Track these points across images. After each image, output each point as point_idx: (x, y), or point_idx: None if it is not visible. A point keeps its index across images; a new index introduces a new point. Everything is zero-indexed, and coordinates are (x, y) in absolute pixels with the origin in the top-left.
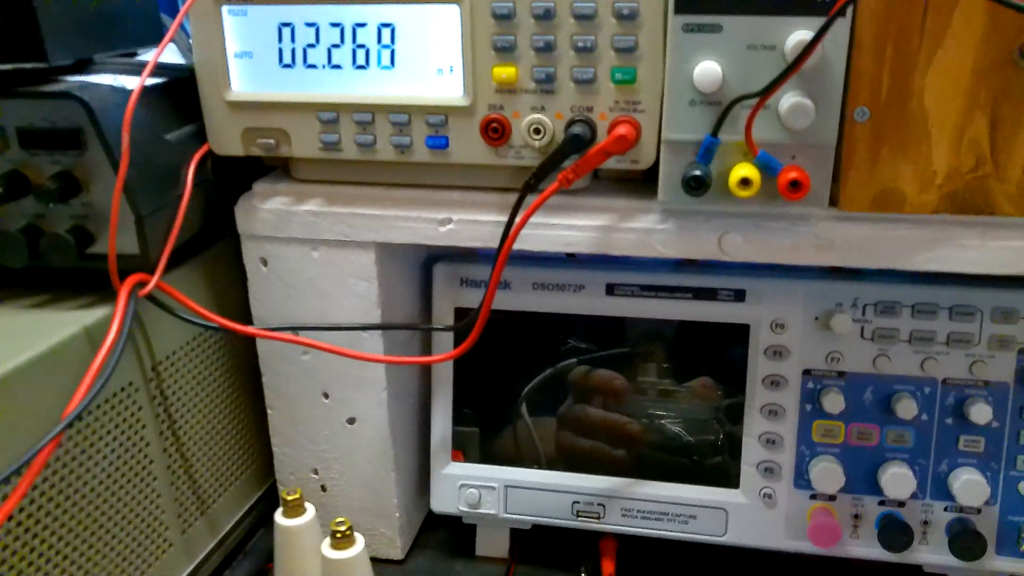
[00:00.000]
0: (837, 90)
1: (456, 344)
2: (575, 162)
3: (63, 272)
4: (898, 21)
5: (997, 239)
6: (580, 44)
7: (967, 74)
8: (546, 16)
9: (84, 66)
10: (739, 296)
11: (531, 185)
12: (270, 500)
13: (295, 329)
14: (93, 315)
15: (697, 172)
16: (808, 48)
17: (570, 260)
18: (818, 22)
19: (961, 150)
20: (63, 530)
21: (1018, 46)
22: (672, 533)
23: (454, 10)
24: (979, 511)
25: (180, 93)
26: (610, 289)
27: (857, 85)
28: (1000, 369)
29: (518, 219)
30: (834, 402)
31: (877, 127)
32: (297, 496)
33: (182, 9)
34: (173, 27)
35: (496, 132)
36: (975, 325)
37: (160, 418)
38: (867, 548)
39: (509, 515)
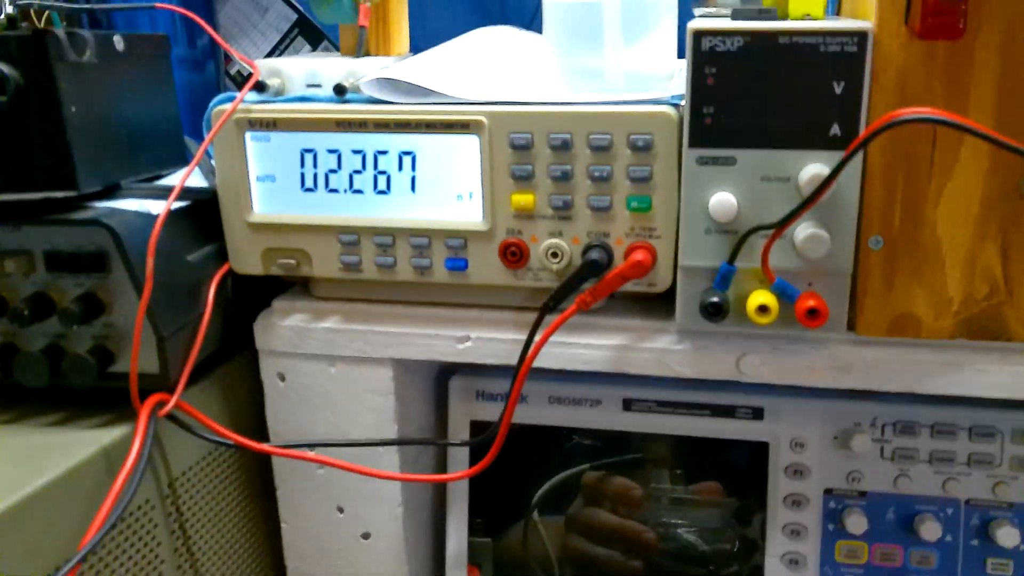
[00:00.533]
0: (851, 219)
1: (472, 456)
2: (593, 286)
3: (83, 391)
4: (908, 153)
5: (1014, 364)
6: (596, 174)
7: (976, 205)
8: (563, 147)
9: (111, 191)
10: (758, 414)
11: (550, 307)
12: None
13: (311, 446)
14: (111, 435)
15: (715, 299)
16: (825, 183)
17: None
18: (829, 155)
19: (975, 278)
20: None
21: (1023, 179)
22: None
23: (474, 140)
24: None
25: (202, 215)
26: (627, 405)
27: (870, 214)
28: None
29: (537, 339)
30: (856, 522)
31: (891, 255)
32: None
33: (208, 136)
34: (199, 153)
35: (514, 255)
36: (996, 446)
37: (175, 535)
38: None
39: None
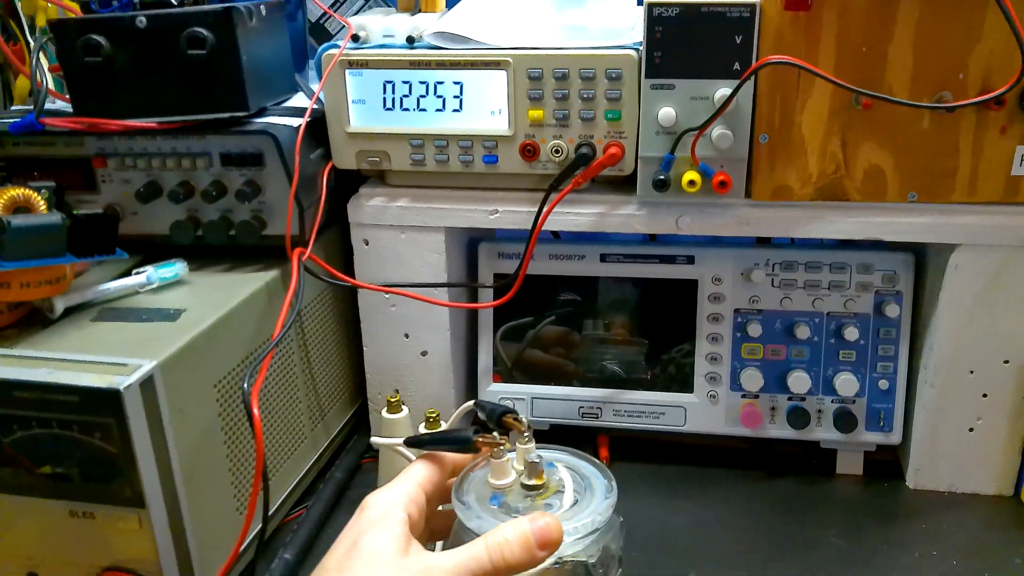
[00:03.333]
0: (747, 123)
1: (495, 298)
2: (583, 171)
3: (243, 247)
4: (783, 81)
5: (853, 217)
6: (584, 95)
7: (826, 113)
8: (563, 78)
9: (261, 112)
10: (690, 260)
11: (554, 187)
12: (359, 417)
13: (394, 285)
14: (269, 275)
15: (662, 177)
16: (728, 100)
17: (557, 240)
18: (732, 82)
19: (825, 160)
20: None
21: (853, 96)
22: (648, 426)
23: (502, 74)
24: (854, 401)
25: (316, 127)
26: (603, 258)
27: (760, 120)
28: (863, 304)
29: (545, 209)
30: (755, 330)
31: (773, 146)
32: (397, 398)
33: (325, 72)
34: (320, 86)
35: (530, 152)
36: (847, 276)
37: (301, 348)
38: (780, 429)
39: (535, 418)
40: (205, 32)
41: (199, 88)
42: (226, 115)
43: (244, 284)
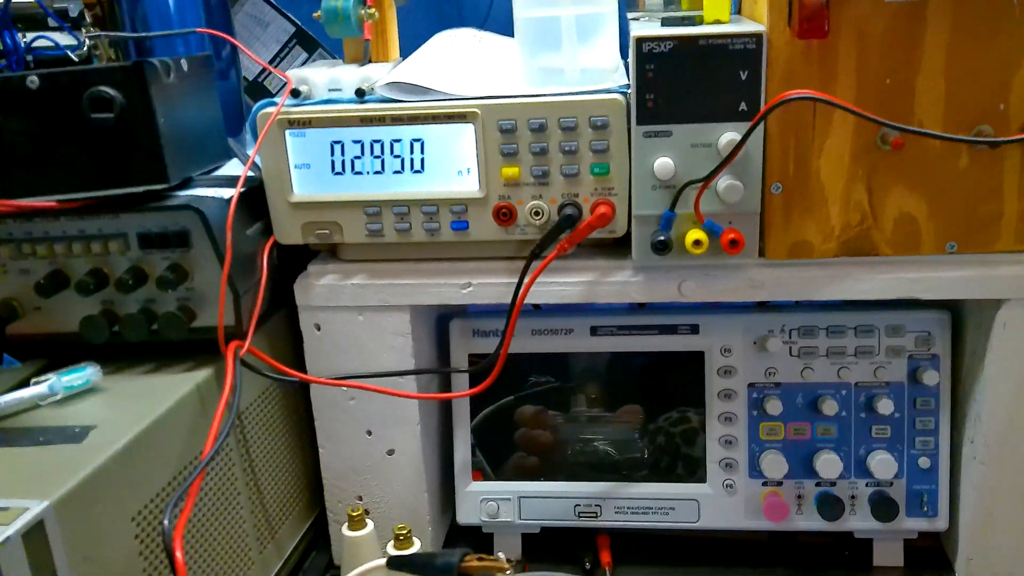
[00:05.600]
0: (757, 171)
1: (472, 384)
2: (568, 235)
3: (167, 344)
4: (796, 121)
5: (882, 273)
6: (566, 148)
7: (847, 156)
8: (540, 129)
9: (186, 183)
10: (694, 329)
11: (536, 254)
12: (316, 529)
13: (351, 377)
14: (200, 375)
15: (662, 238)
16: (738, 146)
17: (539, 311)
18: (739, 125)
19: (849, 210)
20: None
21: (878, 134)
22: (656, 524)
23: (470, 127)
24: (891, 483)
25: (252, 198)
26: (594, 331)
27: (771, 167)
28: (895, 372)
29: (527, 280)
30: (774, 407)
31: (788, 196)
32: (360, 512)
33: (260, 134)
34: (255, 150)
35: (505, 216)
36: (875, 340)
37: (243, 457)
38: (809, 520)
39: (523, 521)
40: (112, 92)
41: (108, 158)
42: (141, 189)
43: (170, 389)
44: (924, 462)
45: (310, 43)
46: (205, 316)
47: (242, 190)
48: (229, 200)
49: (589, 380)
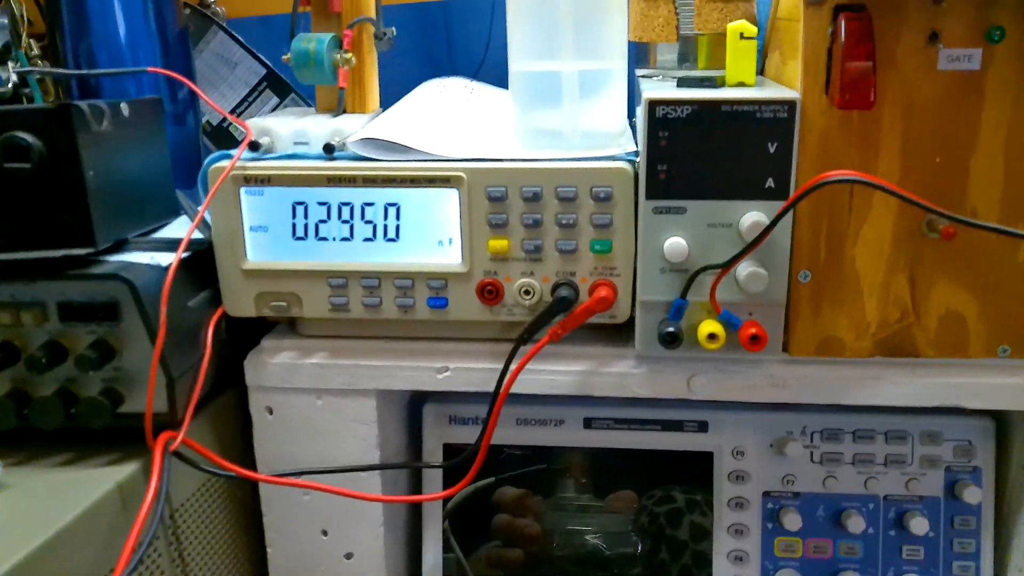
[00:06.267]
0: (784, 257)
1: (447, 481)
2: (562, 319)
3: (89, 430)
4: (830, 202)
5: (922, 376)
6: (563, 221)
7: (887, 243)
8: (534, 199)
9: (120, 245)
10: (702, 427)
11: (524, 339)
12: None
13: (302, 473)
14: (123, 471)
15: (671, 329)
16: (766, 231)
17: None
18: (765, 204)
19: (888, 304)
20: None
21: (924, 220)
22: None
23: (453, 193)
24: None
25: (198, 263)
26: (587, 423)
27: (800, 253)
28: (931, 485)
29: (513, 368)
30: (792, 520)
31: (818, 287)
32: None
33: (210, 191)
34: (202, 209)
35: (491, 293)
36: (907, 447)
37: (175, 563)
38: None
39: None
40: (30, 139)
41: (23, 215)
42: (60, 253)
43: (86, 487)
44: None
45: (282, 87)
46: (134, 401)
47: (185, 255)
48: (167, 268)
49: (581, 481)
